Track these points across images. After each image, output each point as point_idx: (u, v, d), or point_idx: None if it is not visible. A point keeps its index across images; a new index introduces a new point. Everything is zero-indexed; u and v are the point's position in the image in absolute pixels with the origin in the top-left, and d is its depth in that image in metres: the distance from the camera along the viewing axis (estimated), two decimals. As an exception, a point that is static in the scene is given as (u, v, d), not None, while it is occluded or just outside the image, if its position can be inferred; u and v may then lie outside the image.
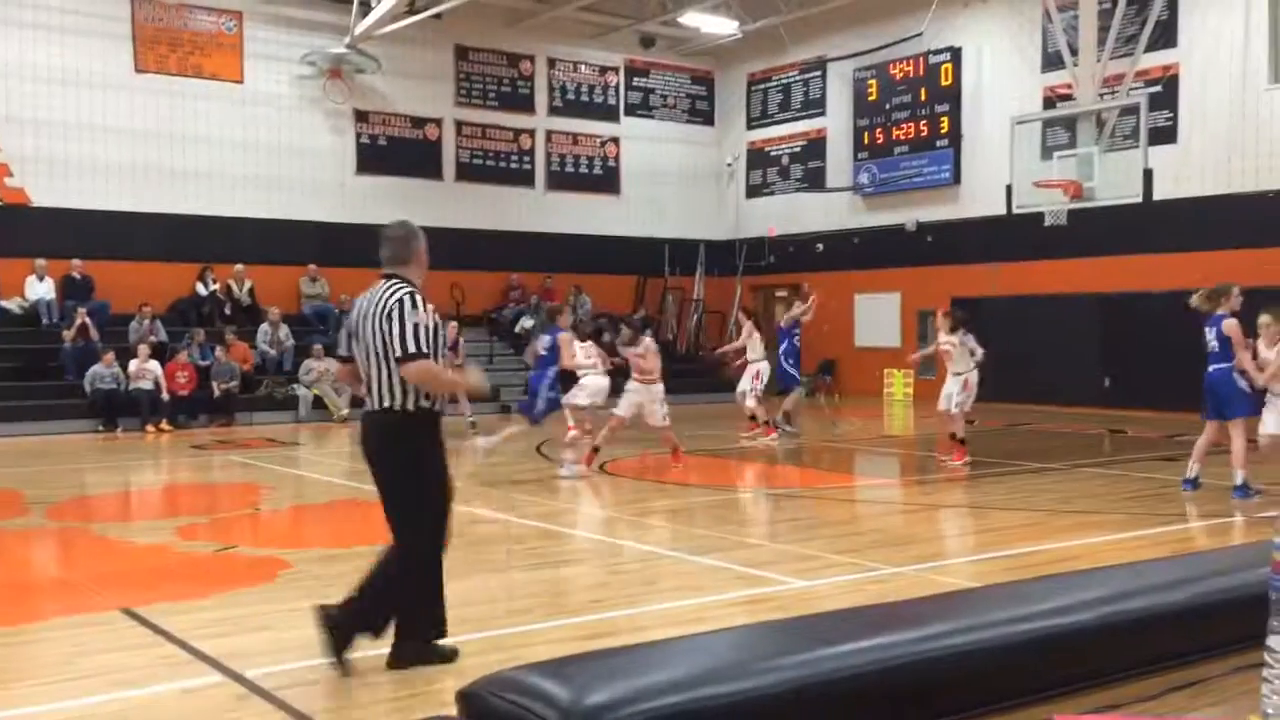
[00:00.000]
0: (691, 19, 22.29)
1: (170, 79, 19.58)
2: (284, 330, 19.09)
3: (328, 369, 18.32)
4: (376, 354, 4.75)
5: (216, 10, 19.95)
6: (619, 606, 6.27)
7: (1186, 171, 17.47)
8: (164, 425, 16.57)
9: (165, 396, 16.68)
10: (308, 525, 9.37)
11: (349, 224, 21.15)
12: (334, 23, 20.61)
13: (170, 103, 19.58)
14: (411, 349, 4.66)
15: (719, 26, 22.67)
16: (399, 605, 4.91)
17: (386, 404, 4.77)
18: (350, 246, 20.96)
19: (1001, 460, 12.53)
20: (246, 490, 10.80)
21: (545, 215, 23.39)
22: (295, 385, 18.21)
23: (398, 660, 4.88)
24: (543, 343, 11.58)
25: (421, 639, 4.94)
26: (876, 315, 22.52)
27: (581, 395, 12.21)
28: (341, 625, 4.79)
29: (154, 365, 16.90)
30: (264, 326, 18.98)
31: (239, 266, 19.70)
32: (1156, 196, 16.32)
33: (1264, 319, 9.14)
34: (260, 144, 20.33)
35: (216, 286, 19.55)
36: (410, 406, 4.77)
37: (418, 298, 4.81)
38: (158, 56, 19.52)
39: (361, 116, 21.43)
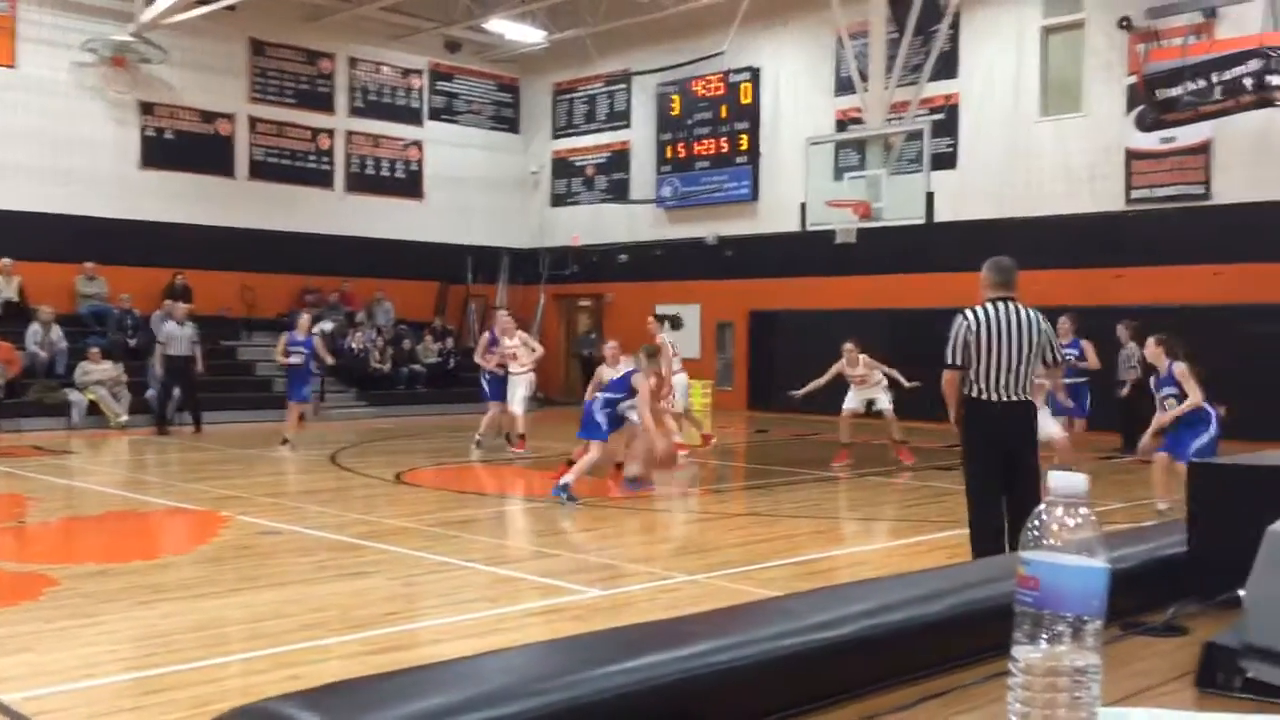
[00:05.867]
0: (497, 25, 22.19)
1: (-69, 58, 18.14)
2: (56, 331, 17.90)
3: (115, 375, 17.31)
4: (1033, 357, 6.12)
5: (-15, -13, 18.62)
6: (414, 619, 6.16)
7: (965, 196, 18.52)
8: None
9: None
10: (78, 539, 8.81)
11: (132, 220, 20.10)
12: (118, 9, 19.52)
13: (-70, 84, 18.13)
14: (1061, 358, 6.52)
15: (524, 35, 22.65)
16: None
17: (1026, 396, 6.17)
18: (133, 244, 19.97)
19: (793, 469, 12.94)
20: (10, 502, 10.06)
21: (344, 218, 22.79)
22: (68, 390, 17.11)
23: None
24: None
25: None
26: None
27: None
28: None
29: (-94, 367, 15.60)
30: (34, 326, 17.73)
31: (6, 261, 18.38)
32: (938, 218, 17.21)
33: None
34: (33, 133, 19.02)
35: (-19, 283, 18.18)
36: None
37: None
38: (-84, 33, 18.05)
39: (147, 108, 20.37)
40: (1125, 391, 14.10)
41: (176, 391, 16.84)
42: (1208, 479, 1.74)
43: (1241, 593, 1.27)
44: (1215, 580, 1.55)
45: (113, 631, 5.70)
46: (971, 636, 1.27)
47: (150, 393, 17.49)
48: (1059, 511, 1.06)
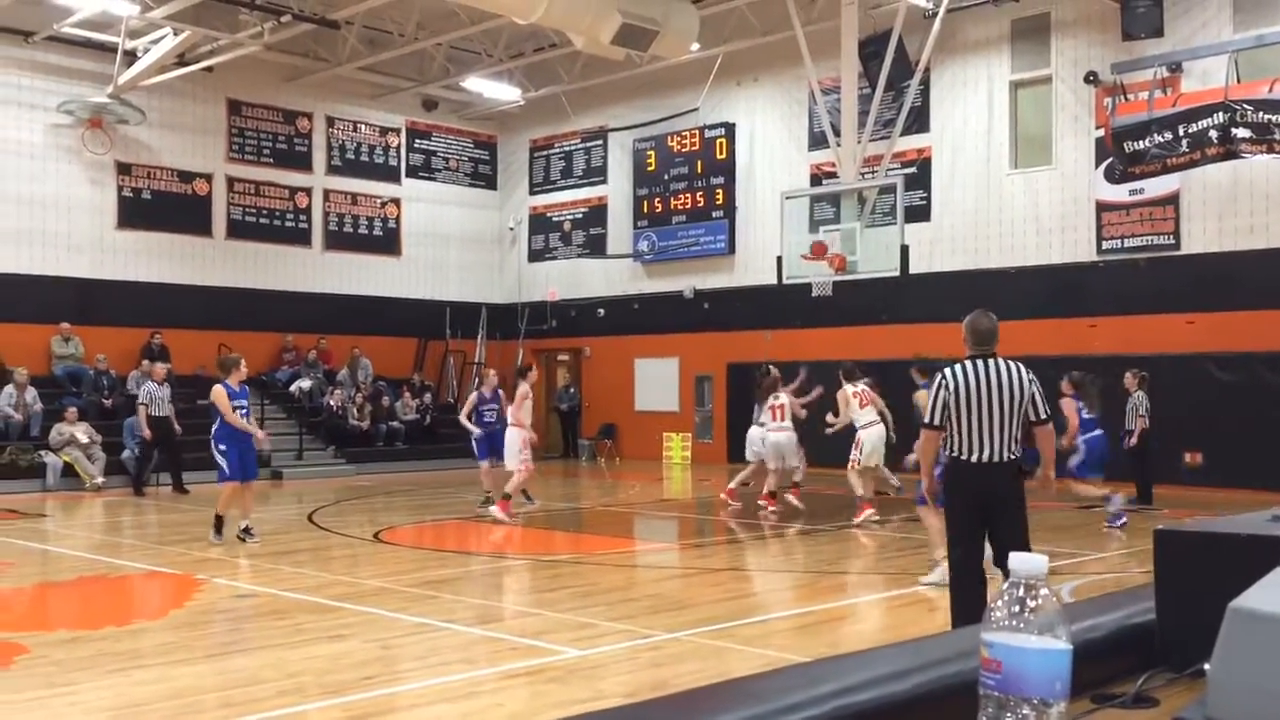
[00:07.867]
0: (474, 84, 22.40)
1: (-94, 121, 18.15)
2: (31, 393, 17.77)
3: (92, 438, 17.16)
4: (1015, 415, 5.93)
5: (-38, 51, 18.68)
6: (392, 683, 6.08)
7: (939, 248, 18.71)
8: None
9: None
10: (51, 605, 8.69)
11: (109, 280, 20.08)
12: (95, 71, 19.62)
13: (-94, 146, 18.12)
14: (1048, 414, 6.10)
15: (501, 93, 22.86)
16: None
17: (1012, 455, 5.94)
18: (110, 304, 19.90)
19: (777, 523, 12.90)
20: (-18, 568, 9.92)
21: (322, 275, 22.82)
22: (43, 452, 16.95)
23: None
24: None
25: None
26: (656, 379, 22.95)
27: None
28: None
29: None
30: (8, 388, 17.61)
31: (-19, 323, 18.28)
32: (913, 270, 17.36)
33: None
34: (7, 194, 19.02)
35: (-46, 345, 18.04)
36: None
37: None
38: (-107, 96, 18.06)
39: (124, 169, 20.40)
40: (1133, 441, 13.72)
41: (155, 452, 16.72)
42: (1175, 546, 1.75)
43: (1207, 666, 1.28)
44: (1185, 650, 1.56)
45: (85, 701, 5.60)
46: (939, 715, 1.27)
47: (126, 454, 17.34)
48: (1020, 592, 1.07)
